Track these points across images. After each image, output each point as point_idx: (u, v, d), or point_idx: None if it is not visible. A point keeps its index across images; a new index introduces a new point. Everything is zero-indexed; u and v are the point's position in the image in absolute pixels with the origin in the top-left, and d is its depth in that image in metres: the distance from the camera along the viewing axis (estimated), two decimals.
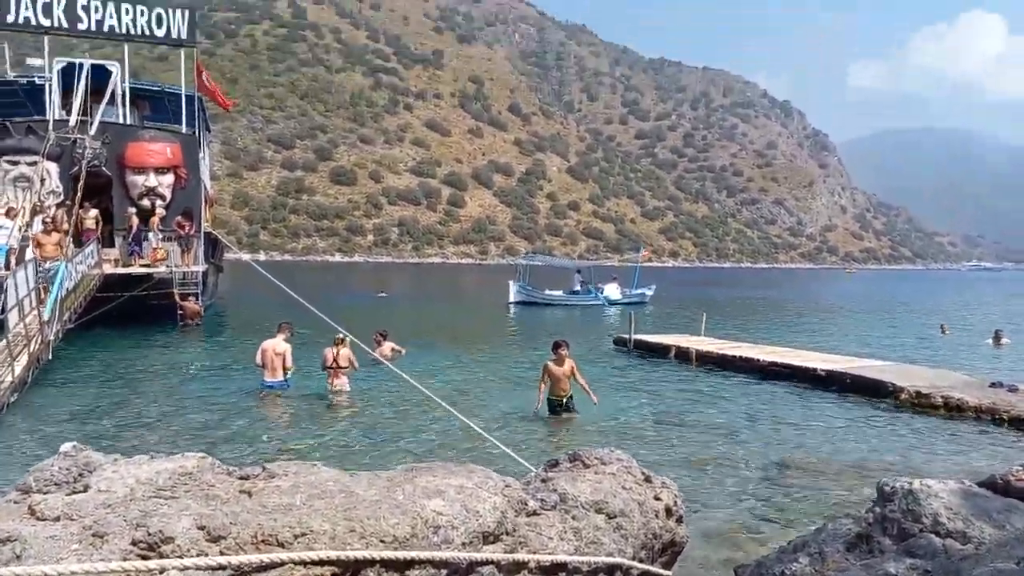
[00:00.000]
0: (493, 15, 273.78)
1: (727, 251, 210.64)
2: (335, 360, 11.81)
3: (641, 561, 4.09)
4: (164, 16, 23.84)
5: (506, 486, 3.60)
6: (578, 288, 38.37)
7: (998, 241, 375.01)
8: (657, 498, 4.53)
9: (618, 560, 3.62)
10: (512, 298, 35.15)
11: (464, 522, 3.08)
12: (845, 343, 22.18)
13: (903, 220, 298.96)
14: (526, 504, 3.63)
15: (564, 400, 10.29)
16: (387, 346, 14.92)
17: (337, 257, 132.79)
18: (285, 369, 11.84)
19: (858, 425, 10.63)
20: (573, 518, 3.93)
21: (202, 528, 2.69)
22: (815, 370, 13.61)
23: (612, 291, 37.69)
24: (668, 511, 4.57)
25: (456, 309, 35.49)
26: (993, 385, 12.34)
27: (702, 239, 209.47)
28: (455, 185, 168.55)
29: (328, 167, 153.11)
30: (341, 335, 11.68)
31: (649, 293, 40.33)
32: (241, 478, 3.28)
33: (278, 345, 11.84)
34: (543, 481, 4.36)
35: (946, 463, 8.58)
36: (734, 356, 15.47)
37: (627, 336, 18.17)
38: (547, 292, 37.25)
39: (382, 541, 2.82)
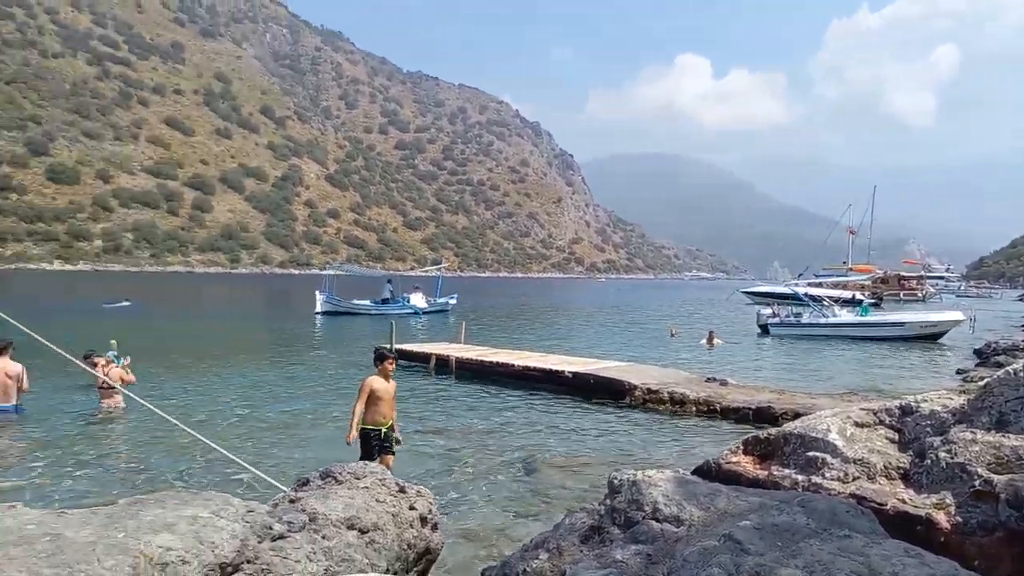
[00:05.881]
0: (241, 12, 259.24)
1: (486, 261, 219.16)
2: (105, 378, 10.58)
3: (395, 573, 4.05)
4: None
5: (248, 511, 3.36)
6: (388, 297, 39.11)
7: (713, 254, 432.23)
8: (412, 508, 4.53)
9: (370, 575, 3.55)
10: (319, 308, 35.20)
11: (197, 555, 2.82)
12: (593, 345, 24.10)
13: (637, 235, 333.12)
14: (271, 528, 3.42)
15: (385, 430, 7.39)
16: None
17: (56, 265, 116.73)
18: (20, 391, 10.31)
19: (600, 422, 11.55)
20: (323, 537, 3.80)
21: None
22: (563, 373, 14.56)
23: (418, 300, 39.15)
24: (423, 520, 4.59)
25: (229, 323, 32.68)
26: (709, 380, 14.13)
27: (463, 249, 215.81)
28: (200, 188, 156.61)
29: (44, 163, 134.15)
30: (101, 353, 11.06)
31: (452, 302, 42.52)
32: None
33: (8, 366, 10.17)
34: (292, 502, 4.17)
35: (671, 452, 9.63)
36: (491, 362, 16.06)
37: (388, 346, 18.06)
38: (355, 302, 37.43)
39: None
